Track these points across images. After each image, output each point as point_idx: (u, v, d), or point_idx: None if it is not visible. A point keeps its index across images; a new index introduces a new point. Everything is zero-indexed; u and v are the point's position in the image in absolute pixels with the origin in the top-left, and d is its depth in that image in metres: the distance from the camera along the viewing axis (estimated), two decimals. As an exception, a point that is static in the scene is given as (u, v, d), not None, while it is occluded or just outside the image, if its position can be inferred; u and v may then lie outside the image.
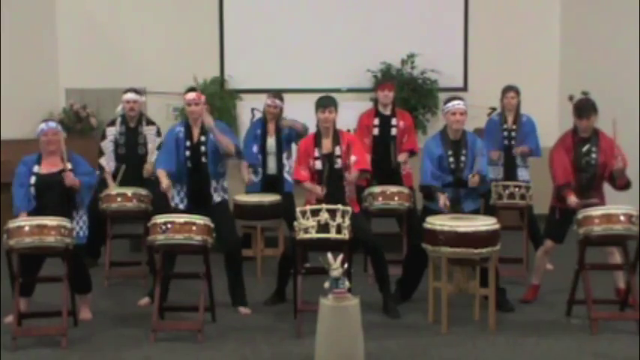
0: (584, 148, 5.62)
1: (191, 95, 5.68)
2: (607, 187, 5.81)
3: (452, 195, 5.61)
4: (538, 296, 5.96)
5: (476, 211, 5.74)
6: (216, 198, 5.72)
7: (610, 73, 8.73)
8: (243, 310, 5.73)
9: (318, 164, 5.67)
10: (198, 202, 5.64)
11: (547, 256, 5.97)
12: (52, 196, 5.33)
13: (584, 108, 5.61)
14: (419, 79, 9.29)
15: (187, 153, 5.66)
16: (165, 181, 5.52)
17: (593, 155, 5.62)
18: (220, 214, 5.63)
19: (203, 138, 5.66)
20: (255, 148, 7.07)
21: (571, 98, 5.69)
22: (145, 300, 5.91)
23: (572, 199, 5.48)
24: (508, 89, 7.08)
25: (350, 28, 9.52)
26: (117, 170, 6.75)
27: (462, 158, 5.64)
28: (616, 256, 5.65)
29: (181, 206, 5.69)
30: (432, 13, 9.56)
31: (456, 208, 5.59)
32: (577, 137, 5.66)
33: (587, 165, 5.62)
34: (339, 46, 9.47)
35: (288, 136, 7.05)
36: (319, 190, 5.51)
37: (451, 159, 5.63)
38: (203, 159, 5.66)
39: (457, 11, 9.57)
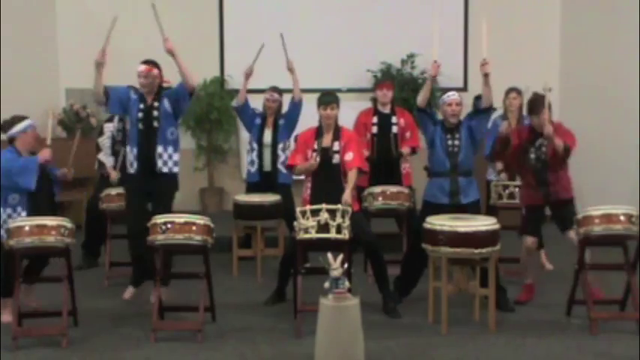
0: (538, 142, 5.74)
1: (140, 67, 5.82)
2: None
3: (450, 186, 5.63)
4: (538, 296, 5.95)
5: (475, 203, 5.73)
6: (162, 167, 5.72)
7: (610, 73, 8.74)
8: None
9: (316, 157, 5.69)
10: (146, 167, 5.71)
11: (532, 254, 5.95)
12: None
13: (535, 104, 5.75)
14: (419, 79, 9.29)
15: (140, 115, 5.73)
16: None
17: (544, 149, 5.72)
18: (163, 187, 5.74)
19: (156, 103, 5.74)
20: (254, 144, 7.08)
21: (549, 90, 5.76)
22: (130, 290, 5.92)
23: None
24: (510, 90, 7.10)
25: (350, 28, 9.53)
26: (116, 159, 6.77)
27: (457, 142, 5.68)
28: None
29: (132, 170, 5.77)
30: (432, 13, 9.55)
31: (454, 199, 5.60)
32: (533, 134, 5.77)
33: (538, 158, 5.72)
34: (339, 46, 9.48)
35: (286, 126, 7.06)
36: (312, 161, 5.56)
37: (449, 142, 5.67)
38: (155, 123, 5.72)
39: (457, 11, 9.57)
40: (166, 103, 5.76)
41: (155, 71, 5.79)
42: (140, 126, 5.72)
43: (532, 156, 5.74)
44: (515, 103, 7.08)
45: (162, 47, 9.51)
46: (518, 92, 7.10)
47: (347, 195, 5.40)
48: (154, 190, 5.72)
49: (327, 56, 9.46)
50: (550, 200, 5.75)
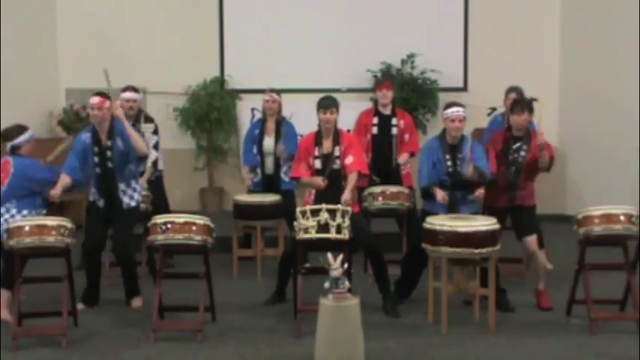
0: (515, 146, 5.77)
1: (94, 100, 5.70)
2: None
3: (450, 198, 5.61)
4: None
5: (475, 214, 5.72)
6: (129, 202, 5.82)
7: (610, 73, 8.74)
8: (135, 302, 5.91)
9: (318, 163, 5.70)
10: (111, 205, 5.77)
11: None
12: None
13: (520, 103, 5.82)
14: (419, 79, 9.29)
15: (96, 159, 5.72)
16: (57, 191, 5.58)
17: (522, 153, 5.76)
18: (126, 219, 5.76)
19: (109, 143, 5.71)
20: (254, 149, 7.08)
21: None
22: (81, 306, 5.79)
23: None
24: (510, 90, 7.04)
25: (350, 28, 9.52)
26: None
27: (459, 162, 5.64)
28: (539, 258, 5.80)
29: (100, 203, 5.81)
30: (432, 13, 9.56)
31: (454, 210, 5.59)
32: (510, 134, 5.81)
33: (514, 161, 5.75)
34: (339, 46, 9.47)
35: (287, 136, 7.05)
36: (320, 180, 5.53)
37: (449, 162, 5.64)
38: (109, 164, 5.71)
39: (457, 11, 9.57)
40: (119, 143, 5.71)
41: (107, 103, 5.70)
42: (97, 170, 5.73)
43: (509, 157, 5.75)
44: None
45: (163, 47, 9.60)
46: (518, 92, 7.06)
47: (346, 194, 5.42)
48: (116, 217, 5.80)
49: (327, 56, 9.45)
50: (513, 204, 5.77)
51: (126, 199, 5.80)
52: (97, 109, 5.66)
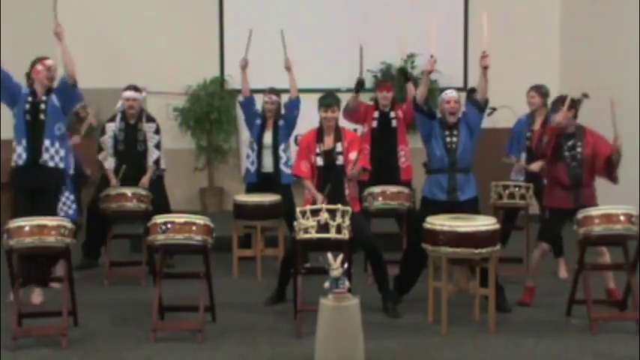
0: (569, 143, 5.67)
1: (48, 62, 5.98)
2: (606, 186, 5.82)
3: (448, 182, 5.62)
4: (538, 296, 5.94)
5: (473, 200, 5.71)
6: (49, 161, 5.79)
7: (610, 73, 8.74)
8: (36, 296, 5.75)
9: (320, 160, 5.70)
10: (33, 159, 5.74)
11: (544, 258, 5.88)
12: None
13: (555, 102, 5.80)
14: (419, 79, 9.28)
15: (27, 106, 5.81)
16: None
17: (579, 149, 5.65)
18: (48, 181, 5.76)
19: (44, 97, 5.84)
20: (254, 150, 7.09)
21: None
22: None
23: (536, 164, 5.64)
24: (529, 89, 6.88)
25: (350, 28, 9.53)
26: (118, 169, 6.76)
27: (455, 139, 5.65)
28: (606, 257, 5.66)
29: (20, 162, 5.78)
30: (432, 13, 9.55)
31: (452, 195, 5.59)
32: (559, 130, 5.70)
33: (572, 159, 5.64)
34: (339, 46, 9.47)
35: (285, 127, 7.08)
36: (320, 199, 5.51)
37: (447, 139, 5.65)
38: (42, 116, 5.80)
39: (457, 10, 9.57)
40: (54, 99, 5.85)
41: (54, 66, 5.96)
42: (27, 117, 5.80)
43: (566, 154, 5.65)
44: (533, 102, 6.91)
45: (163, 47, 9.61)
46: (538, 90, 6.93)
47: (352, 173, 5.50)
48: (39, 184, 5.76)
49: (327, 56, 9.46)
50: (578, 204, 5.52)
51: (46, 156, 5.76)
52: (47, 70, 5.90)
